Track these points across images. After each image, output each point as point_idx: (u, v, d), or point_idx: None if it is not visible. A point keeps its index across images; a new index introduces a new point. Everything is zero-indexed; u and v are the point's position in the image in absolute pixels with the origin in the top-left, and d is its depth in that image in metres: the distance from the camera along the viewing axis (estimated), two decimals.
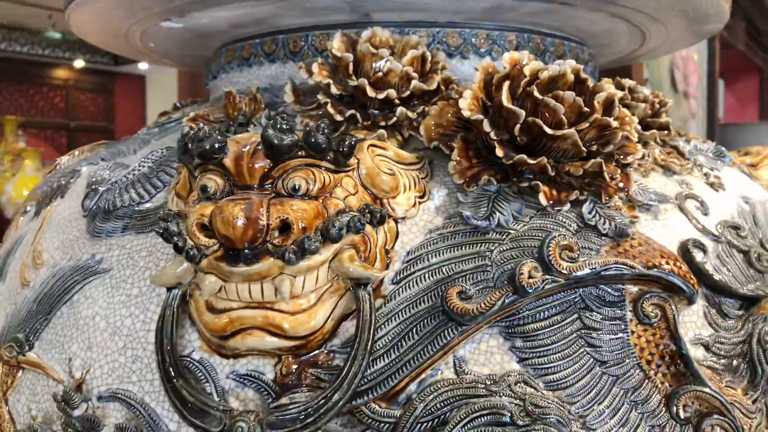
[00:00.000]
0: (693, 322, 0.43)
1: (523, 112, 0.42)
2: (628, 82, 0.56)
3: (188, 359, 0.41)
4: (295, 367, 0.39)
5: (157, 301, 0.43)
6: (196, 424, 0.38)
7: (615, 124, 0.43)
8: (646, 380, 0.40)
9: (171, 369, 0.40)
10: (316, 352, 0.39)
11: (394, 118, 0.47)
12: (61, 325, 0.46)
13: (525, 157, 0.42)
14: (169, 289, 0.41)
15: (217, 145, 0.38)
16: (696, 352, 0.43)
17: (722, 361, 0.43)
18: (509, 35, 0.59)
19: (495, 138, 0.43)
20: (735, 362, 0.43)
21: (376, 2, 0.55)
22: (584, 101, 0.43)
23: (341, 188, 0.40)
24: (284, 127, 0.38)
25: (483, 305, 0.39)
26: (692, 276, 0.43)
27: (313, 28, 0.60)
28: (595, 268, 0.40)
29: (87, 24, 0.67)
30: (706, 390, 0.40)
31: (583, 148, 0.42)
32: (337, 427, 0.38)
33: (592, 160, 0.42)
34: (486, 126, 0.43)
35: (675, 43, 0.77)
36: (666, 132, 0.55)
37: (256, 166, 0.38)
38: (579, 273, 0.40)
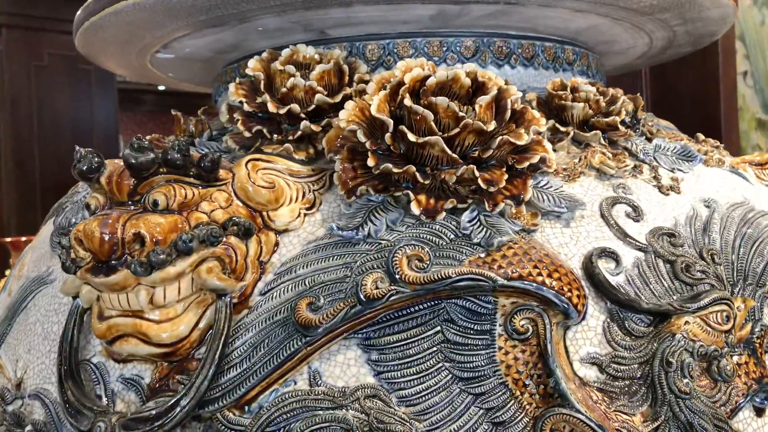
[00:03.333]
0: (588, 339, 0.40)
1: (391, 122, 0.41)
2: (575, 82, 0.52)
3: (88, 363, 0.44)
4: (166, 373, 0.41)
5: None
6: (71, 422, 0.42)
7: (491, 127, 0.41)
8: (512, 400, 0.38)
9: (64, 372, 0.43)
10: (185, 359, 0.41)
11: (299, 132, 0.48)
12: (17, 329, 0.52)
13: (390, 166, 0.41)
14: (74, 298, 0.45)
15: (93, 166, 0.42)
16: (587, 372, 0.39)
17: (617, 383, 0.39)
18: (466, 41, 0.58)
19: (369, 148, 0.42)
20: (634, 387, 0.39)
21: (323, 20, 0.57)
22: (463, 107, 0.41)
23: (209, 202, 0.42)
24: (143, 146, 0.40)
25: (325, 316, 0.38)
26: (578, 289, 0.39)
27: (280, 49, 0.62)
28: (445, 279, 0.38)
29: (103, 58, 0.74)
30: (577, 415, 0.37)
31: (454, 155, 0.40)
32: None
33: (464, 167, 0.40)
34: (360, 136, 0.42)
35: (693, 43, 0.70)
36: (619, 131, 0.51)
37: (124, 183, 0.41)
38: (428, 284, 0.38)
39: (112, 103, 3.08)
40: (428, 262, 0.39)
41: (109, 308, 0.42)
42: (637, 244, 0.43)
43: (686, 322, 0.40)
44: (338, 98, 0.49)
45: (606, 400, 0.38)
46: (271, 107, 0.48)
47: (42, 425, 0.45)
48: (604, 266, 0.41)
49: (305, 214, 0.45)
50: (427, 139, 0.40)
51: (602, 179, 0.48)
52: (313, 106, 0.49)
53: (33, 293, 0.53)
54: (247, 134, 0.49)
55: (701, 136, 0.60)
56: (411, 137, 0.40)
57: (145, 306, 0.40)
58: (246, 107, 0.50)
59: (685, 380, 0.38)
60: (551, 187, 0.45)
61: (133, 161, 0.40)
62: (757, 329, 0.42)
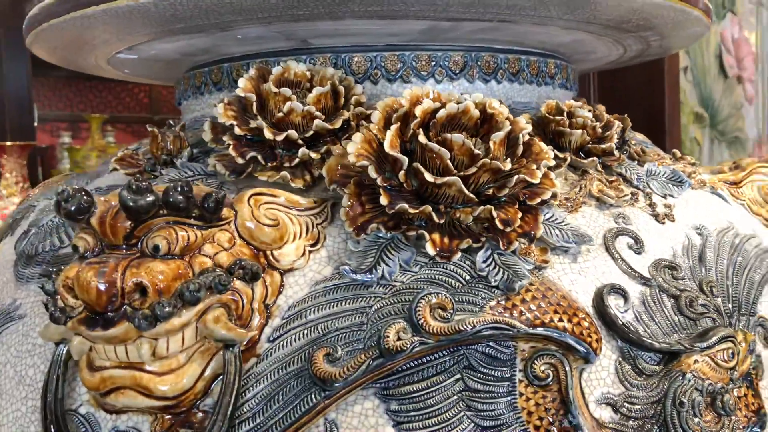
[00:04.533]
0: (602, 379, 0.40)
1: (405, 159, 0.40)
2: (570, 105, 0.52)
3: (75, 414, 0.41)
4: (169, 425, 0.39)
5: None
6: None
7: (508, 166, 0.40)
8: None
9: (52, 426, 0.40)
10: (189, 411, 0.39)
11: (297, 159, 0.46)
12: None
13: (406, 206, 0.39)
14: (57, 344, 0.42)
15: (82, 206, 0.38)
16: (602, 413, 0.39)
17: (631, 422, 0.39)
18: (454, 55, 0.56)
19: (381, 185, 0.40)
20: (647, 425, 0.39)
21: (309, 31, 0.54)
22: (477, 144, 0.40)
23: (212, 244, 0.39)
24: (141, 187, 0.37)
25: (346, 370, 0.37)
26: (596, 332, 0.39)
27: (255, 56, 0.59)
28: (468, 329, 0.37)
29: (50, 54, 0.69)
30: None
31: (471, 195, 0.39)
32: None
33: (481, 207, 0.39)
34: (372, 172, 0.40)
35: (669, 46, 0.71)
36: (612, 157, 0.51)
37: (119, 225, 0.38)
38: (453, 335, 0.37)
39: (24, 67, 2.88)
40: (451, 311, 0.38)
41: (102, 359, 0.39)
42: (642, 278, 0.44)
43: (695, 361, 0.41)
44: (337, 124, 0.46)
45: None
46: (268, 134, 0.45)
47: None
48: (613, 303, 0.41)
49: (310, 251, 0.43)
50: (446, 179, 0.39)
51: (602, 209, 0.48)
52: (311, 132, 0.46)
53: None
54: (240, 160, 0.46)
55: (678, 153, 0.62)
56: (429, 177, 0.39)
57: (149, 357, 0.37)
58: (237, 131, 0.47)
59: (696, 419, 0.39)
60: (557, 220, 0.45)
61: (132, 204, 0.37)
62: (753, 361, 0.44)
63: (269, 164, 0.47)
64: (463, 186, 0.39)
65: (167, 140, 0.53)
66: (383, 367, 0.37)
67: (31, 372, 0.45)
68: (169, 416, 0.39)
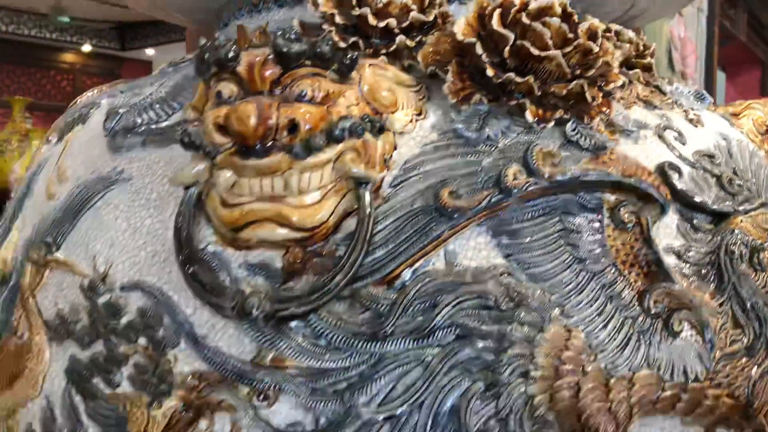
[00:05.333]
0: (667, 233, 0.47)
1: (512, 35, 0.46)
2: (615, 26, 0.60)
3: (203, 252, 0.45)
4: (301, 256, 0.43)
5: (175, 203, 0.47)
6: (211, 302, 0.42)
7: (597, 49, 0.47)
8: (620, 277, 0.44)
9: (189, 256, 0.44)
10: (321, 244, 0.43)
11: (394, 46, 0.51)
12: (85, 228, 0.50)
13: (513, 75, 0.46)
14: (186, 189, 0.45)
15: (231, 54, 0.42)
16: (668, 259, 0.46)
17: (693, 268, 0.47)
18: None
19: (486, 60, 0.46)
20: (704, 270, 0.47)
21: None
22: (569, 29, 0.47)
23: (344, 98, 0.44)
24: (293, 37, 0.42)
25: (471, 202, 0.42)
26: (666, 189, 0.47)
27: None
28: (575, 174, 0.44)
29: None
30: (676, 287, 0.44)
31: (567, 70, 0.46)
32: (339, 309, 0.42)
33: (575, 82, 0.46)
34: (478, 48, 0.46)
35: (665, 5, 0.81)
36: (650, 73, 0.59)
37: (267, 73, 0.42)
38: (560, 178, 0.43)
39: None
40: (558, 160, 0.44)
41: (243, 195, 0.43)
42: (689, 162, 0.52)
43: (741, 221, 0.49)
44: (431, 16, 0.52)
45: (686, 281, 0.46)
46: (372, 20, 0.50)
47: (148, 311, 0.45)
48: (672, 175, 0.49)
49: (416, 120, 0.48)
50: (549, 53, 0.45)
51: (648, 109, 0.55)
52: (407, 23, 0.52)
53: (100, 193, 0.51)
54: (342, 44, 0.51)
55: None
56: (534, 51, 0.45)
57: (296, 189, 0.42)
58: (338, 19, 0.51)
59: (743, 265, 0.47)
60: (618, 110, 0.52)
61: (285, 50, 0.41)
62: None
63: (366, 51, 0.52)
64: (562, 60, 0.45)
65: (253, 36, 0.57)
66: (501, 203, 0.43)
67: (148, 222, 0.48)
68: (300, 249, 0.44)
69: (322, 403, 0.42)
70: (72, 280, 0.50)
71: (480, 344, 0.41)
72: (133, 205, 0.49)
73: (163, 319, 0.45)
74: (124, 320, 0.46)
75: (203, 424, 0.44)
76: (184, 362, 0.45)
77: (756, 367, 0.47)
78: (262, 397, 0.43)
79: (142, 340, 0.46)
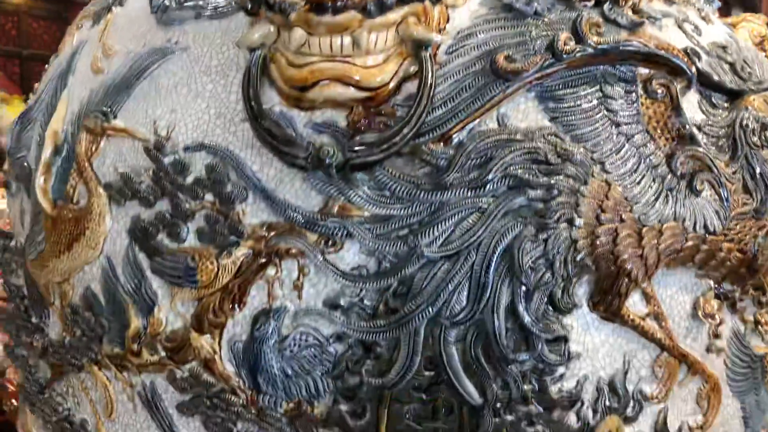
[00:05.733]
0: (689, 108, 0.52)
1: None
2: None
3: (270, 112, 0.47)
4: (364, 116, 0.47)
5: (236, 68, 0.50)
6: (284, 152, 0.45)
7: None
8: (652, 141, 0.49)
9: (259, 114, 0.46)
10: (383, 104, 0.47)
11: None
12: (142, 96, 0.52)
13: None
14: (251, 52, 0.48)
15: None
16: (691, 131, 0.51)
17: (711, 139, 0.52)
18: None
19: None
20: (720, 142, 0.52)
21: None
22: None
23: None
24: None
25: (526, 65, 0.46)
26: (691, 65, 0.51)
27: None
28: (618, 42, 0.48)
29: None
30: (700, 150, 0.49)
31: None
32: (400, 164, 0.46)
33: None
34: None
35: None
36: None
37: None
38: (605, 46, 0.47)
39: None
40: (604, 29, 0.48)
41: (308, 55, 0.46)
42: (705, 49, 0.56)
43: (753, 99, 0.54)
44: None
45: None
46: None
47: (216, 167, 0.48)
48: (694, 57, 0.53)
49: None
50: None
51: (668, 4, 0.60)
52: None
53: (156, 62, 0.53)
54: None
55: None
56: None
57: (364, 48, 0.44)
58: None
59: (755, 138, 0.53)
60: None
61: None
62: None
63: None
64: None
65: None
66: (552, 67, 0.47)
67: (210, 87, 0.50)
68: (362, 109, 0.47)
69: (387, 246, 0.45)
70: (132, 145, 0.52)
71: (531, 193, 0.45)
72: (193, 72, 0.51)
73: (230, 176, 0.48)
74: (190, 178, 0.49)
75: (271, 270, 0.47)
76: (252, 215, 0.48)
77: (762, 227, 0.52)
78: (329, 243, 0.46)
79: (209, 196, 0.48)
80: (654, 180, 0.48)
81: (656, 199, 0.48)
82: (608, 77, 0.49)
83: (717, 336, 0.53)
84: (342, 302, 0.46)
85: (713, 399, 0.55)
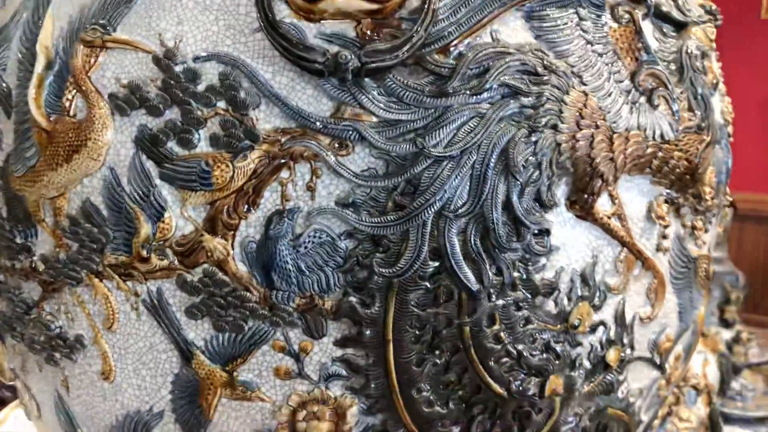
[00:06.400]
0: (647, 36, 0.59)
1: None
2: None
3: (281, 22, 0.50)
4: (372, 27, 0.50)
5: None
6: (301, 57, 0.48)
7: None
8: (618, 60, 0.56)
9: (273, 22, 0.49)
10: (388, 17, 0.50)
11: None
12: (144, 9, 0.53)
13: None
14: None
15: None
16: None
17: (663, 63, 0.59)
18: None
19: None
20: (671, 65, 0.60)
21: None
22: None
23: None
24: None
25: None
26: None
27: None
28: None
29: None
30: (659, 68, 0.57)
31: None
32: (406, 73, 0.50)
33: None
34: None
35: None
36: None
37: None
38: None
39: None
40: None
41: None
42: None
43: (696, 30, 0.62)
44: None
45: None
46: None
47: (229, 75, 0.50)
48: None
49: None
50: None
51: None
52: None
53: None
54: None
55: None
56: None
57: None
58: None
59: (698, 63, 0.61)
60: None
61: None
62: None
63: None
64: None
65: None
66: None
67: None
68: (370, 21, 0.50)
69: (396, 148, 0.50)
70: (135, 57, 0.53)
71: (523, 100, 0.51)
72: None
73: (243, 83, 0.50)
74: (202, 86, 0.51)
75: (285, 173, 0.50)
76: (265, 120, 0.50)
77: (702, 141, 0.61)
78: (340, 146, 0.50)
79: (221, 103, 0.51)
80: (620, 93, 0.55)
81: (622, 110, 0.55)
82: (582, 1, 0.55)
83: (665, 237, 0.61)
84: (353, 201, 0.50)
85: (660, 293, 0.63)
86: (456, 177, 0.50)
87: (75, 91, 0.54)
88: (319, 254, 0.51)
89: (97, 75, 0.54)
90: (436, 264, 0.51)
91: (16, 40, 0.59)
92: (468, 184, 0.50)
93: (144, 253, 0.53)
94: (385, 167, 0.50)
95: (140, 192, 0.52)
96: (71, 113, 0.55)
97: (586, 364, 0.58)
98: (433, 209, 0.50)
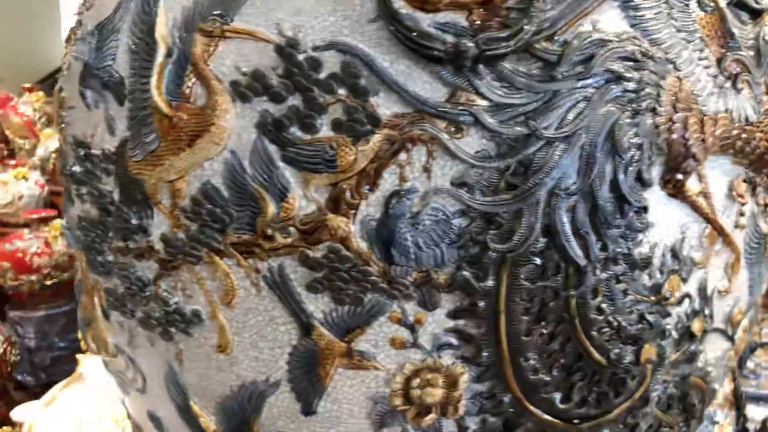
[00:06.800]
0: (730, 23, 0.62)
1: None
2: None
3: (397, 12, 0.53)
4: (483, 17, 0.53)
5: None
6: (422, 44, 0.51)
7: None
8: (706, 47, 0.59)
9: (392, 11, 0.52)
10: (497, 8, 0.53)
11: None
12: (260, 0, 0.56)
13: None
14: None
15: None
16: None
17: (745, 49, 0.63)
18: None
19: None
20: (750, 52, 0.63)
21: None
22: None
23: None
24: None
25: None
26: None
27: None
28: None
29: None
30: (743, 54, 0.60)
31: None
32: (516, 60, 0.53)
33: None
34: None
35: None
36: None
37: None
38: None
39: None
40: None
41: None
42: None
43: None
44: None
45: None
46: None
47: (349, 64, 0.53)
48: None
49: None
50: None
51: None
52: None
53: None
54: None
55: None
56: None
57: None
58: None
59: None
60: None
61: None
62: None
63: None
64: None
65: None
66: None
67: None
68: (482, 11, 0.53)
69: (508, 130, 0.53)
70: (255, 46, 0.56)
71: (626, 85, 0.54)
72: None
73: (362, 71, 0.53)
74: (323, 74, 0.54)
75: (403, 155, 0.54)
76: (384, 106, 0.53)
77: None
78: (455, 129, 0.53)
79: (342, 90, 0.54)
80: (709, 78, 0.59)
81: (712, 94, 0.58)
82: None
83: (742, 214, 0.65)
84: (467, 181, 0.53)
85: (736, 268, 0.67)
86: (567, 157, 0.53)
87: (195, 78, 0.57)
88: (435, 231, 0.54)
89: (216, 63, 0.57)
90: (545, 240, 0.54)
91: (126, 30, 0.62)
92: (577, 164, 0.53)
93: (269, 231, 0.56)
94: (497, 149, 0.54)
95: (263, 174, 0.56)
96: (191, 100, 0.58)
97: (674, 334, 0.62)
98: (546, 188, 0.53)
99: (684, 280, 0.61)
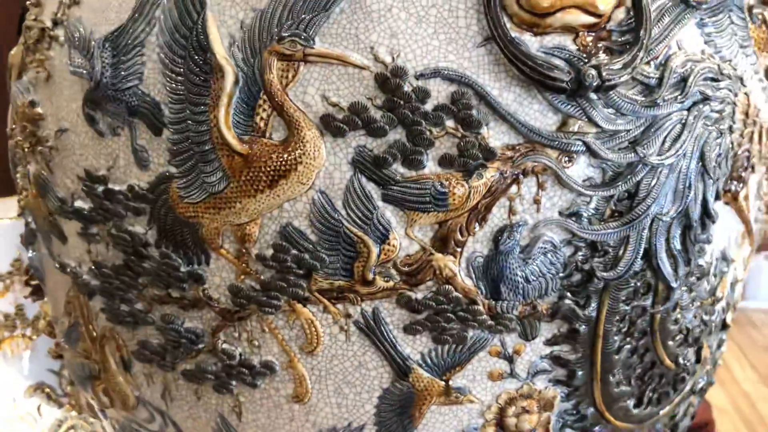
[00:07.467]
0: None
1: None
2: None
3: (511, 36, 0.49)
4: (590, 39, 0.51)
5: None
6: (545, 75, 0.48)
7: None
8: (757, 59, 0.61)
9: (505, 37, 0.48)
10: (599, 30, 0.51)
11: None
12: (347, 19, 0.49)
13: None
14: None
15: None
16: None
17: None
18: None
19: None
20: None
21: None
22: None
23: None
24: None
25: None
26: None
27: None
28: None
29: None
30: None
31: None
32: (620, 89, 0.52)
33: None
34: None
35: None
36: None
37: None
38: None
39: None
40: None
41: None
42: None
43: None
44: None
45: None
46: None
47: (457, 94, 0.49)
48: None
49: None
50: None
51: None
52: None
53: None
54: None
55: None
56: None
57: None
58: None
59: None
60: None
61: None
62: None
63: None
64: None
65: None
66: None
67: (434, 11, 0.49)
68: (587, 34, 0.51)
69: (616, 158, 0.52)
70: (344, 73, 0.49)
71: (712, 105, 0.55)
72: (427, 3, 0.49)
73: (472, 101, 0.49)
74: (430, 105, 0.49)
75: (513, 188, 0.51)
76: (495, 138, 0.50)
77: None
78: (567, 159, 0.51)
79: (450, 122, 0.49)
80: (762, 90, 0.61)
81: (765, 104, 0.61)
82: (732, 6, 0.59)
83: (760, 210, 0.70)
84: (576, 210, 0.52)
85: (750, 260, 0.72)
86: (668, 183, 0.53)
87: (271, 109, 0.50)
88: (544, 264, 0.53)
89: (296, 92, 0.50)
90: (643, 262, 0.55)
91: (156, 45, 0.52)
92: (674, 187, 0.54)
93: (370, 276, 0.51)
94: (602, 176, 0.53)
95: (361, 215, 0.50)
96: (267, 134, 0.50)
97: (715, 328, 0.67)
98: (651, 215, 0.53)
99: (725, 278, 0.65)
